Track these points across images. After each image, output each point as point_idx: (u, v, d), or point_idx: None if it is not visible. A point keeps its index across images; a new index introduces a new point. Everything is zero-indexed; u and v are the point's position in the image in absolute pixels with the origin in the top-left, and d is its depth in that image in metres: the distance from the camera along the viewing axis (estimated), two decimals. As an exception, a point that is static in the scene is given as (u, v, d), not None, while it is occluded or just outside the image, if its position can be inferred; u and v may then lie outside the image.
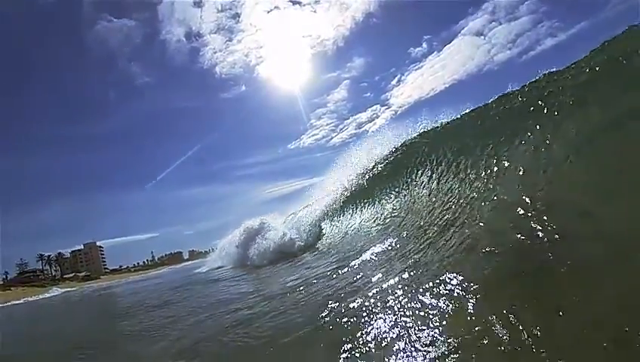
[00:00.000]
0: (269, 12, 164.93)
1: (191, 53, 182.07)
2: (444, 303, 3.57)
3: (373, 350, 3.21)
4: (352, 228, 11.29)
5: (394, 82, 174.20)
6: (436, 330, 3.14)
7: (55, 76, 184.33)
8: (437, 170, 8.53)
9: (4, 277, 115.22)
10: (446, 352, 2.80)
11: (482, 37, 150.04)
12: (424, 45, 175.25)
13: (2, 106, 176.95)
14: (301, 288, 6.69)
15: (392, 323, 3.57)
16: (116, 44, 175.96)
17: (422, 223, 7.01)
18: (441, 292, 3.82)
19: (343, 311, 4.43)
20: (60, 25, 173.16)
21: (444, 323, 3.22)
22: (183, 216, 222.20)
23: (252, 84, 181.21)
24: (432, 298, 3.79)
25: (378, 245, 7.44)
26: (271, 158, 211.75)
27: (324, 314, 4.51)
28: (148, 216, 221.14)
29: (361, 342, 3.39)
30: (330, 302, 4.90)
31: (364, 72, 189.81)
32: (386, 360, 2.99)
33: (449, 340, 2.94)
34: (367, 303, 4.36)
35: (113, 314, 11.65)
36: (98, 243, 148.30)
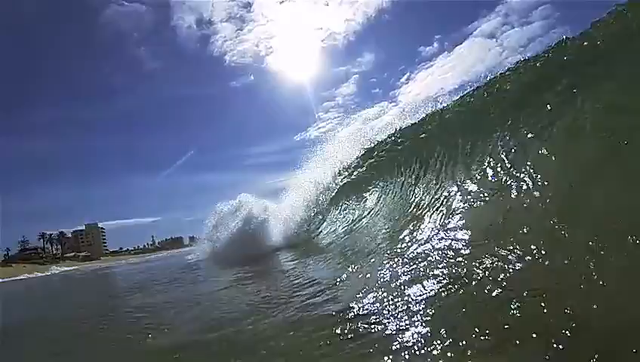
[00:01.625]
0: (280, 3, 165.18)
1: (201, 40, 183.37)
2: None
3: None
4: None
5: (403, 80, 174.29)
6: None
7: (64, 59, 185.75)
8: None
9: (6, 253, 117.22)
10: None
11: (494, 40, 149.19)
12: (435, 44, 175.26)
13: (10, 88, 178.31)
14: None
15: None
16: (126, 29, 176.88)
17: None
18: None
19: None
20: (71, 7, 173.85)
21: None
22: (186, 202, 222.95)
23: (261, 75, 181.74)
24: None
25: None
26: (277, 149, 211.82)
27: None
28: (151, 200, 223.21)
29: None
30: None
31: (374, 68, 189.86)
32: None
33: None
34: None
35: (110, 291, 12.71)
36: (100, 225, 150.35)
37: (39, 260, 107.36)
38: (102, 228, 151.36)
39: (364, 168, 12.99)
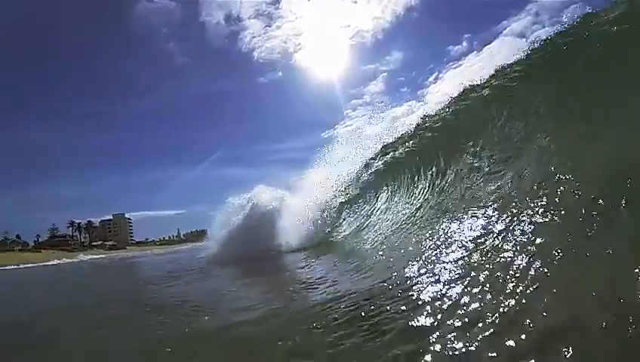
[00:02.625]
0: (308, 0, 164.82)
1: (230, 36, 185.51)
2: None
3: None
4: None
5: (431, 79, 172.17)
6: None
7: (97, 54, 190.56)
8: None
9: (36, 240, 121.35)
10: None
11: (524, 39, 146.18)
12: (464, 44, 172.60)
13: (44, 82, 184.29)
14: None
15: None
16: (156, 24, 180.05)
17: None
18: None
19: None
20: (102, 3, 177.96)
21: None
22: (212, 195, 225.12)
23: (289, 71, 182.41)
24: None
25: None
26: (304, 145, 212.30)
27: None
28: (177, 193, 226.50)
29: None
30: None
31: (402, 67, 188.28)
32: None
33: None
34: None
35: (145, 278, 13.08)
36: (126, 215, 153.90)
37: (67, 247, 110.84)
38: (129, 218, 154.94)
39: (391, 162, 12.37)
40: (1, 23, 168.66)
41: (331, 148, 16.94)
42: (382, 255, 6.61)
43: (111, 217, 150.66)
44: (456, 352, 2.48)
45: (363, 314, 3.65)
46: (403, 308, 3.40)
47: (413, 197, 8.94)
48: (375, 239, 8.43)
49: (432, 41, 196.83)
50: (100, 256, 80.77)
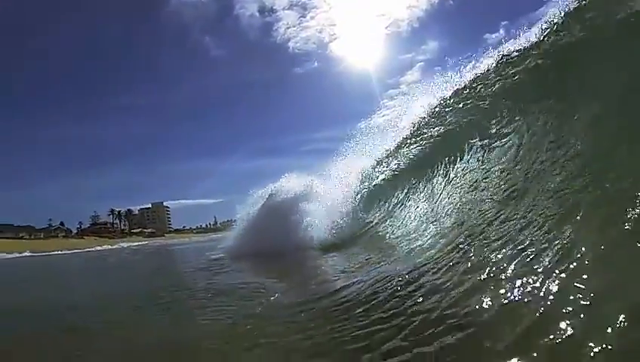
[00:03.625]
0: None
1: (264, 28, 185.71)
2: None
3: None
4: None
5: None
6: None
7: (135, 48, 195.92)
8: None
9: (79, 227, 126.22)
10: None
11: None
12: (501, 31, 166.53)
13: (85, 77, 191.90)
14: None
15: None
16: (190, 18, 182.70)
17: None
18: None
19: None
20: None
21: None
22: (247, 185, 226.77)
23: (325, 61, 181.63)
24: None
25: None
26: (341, 135, 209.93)
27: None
28: (214, 182, 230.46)
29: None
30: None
31: (438, 56, 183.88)
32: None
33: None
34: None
35: (195, 264, 13.33)
36: (165, 204, 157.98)
37: (108, 234, 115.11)
38: (167, 206, 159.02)
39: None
40: (38, 19, 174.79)
41: (367, 137, 15.84)
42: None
43: (150, 205, 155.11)
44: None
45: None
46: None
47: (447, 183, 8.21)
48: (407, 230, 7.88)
49: (468, 30, 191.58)
50: (142, 242, 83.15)
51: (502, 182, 5.50)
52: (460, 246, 4.40)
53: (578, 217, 3.12)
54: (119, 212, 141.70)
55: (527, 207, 4.09)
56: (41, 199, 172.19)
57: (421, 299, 3.46)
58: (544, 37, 7.24)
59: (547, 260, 2.83)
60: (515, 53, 7.94)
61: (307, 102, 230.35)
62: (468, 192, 6.46)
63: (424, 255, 5.03)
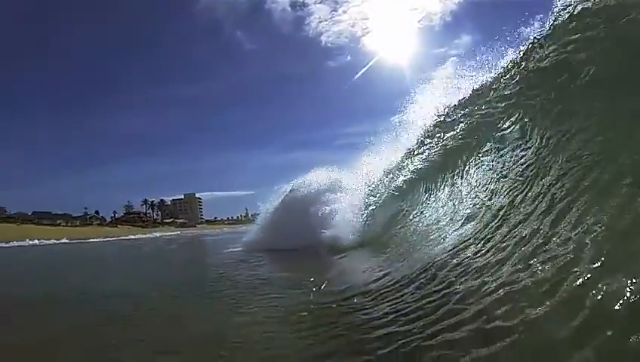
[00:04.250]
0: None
1: (296, 22, 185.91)
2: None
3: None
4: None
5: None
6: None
7: (169, 43, 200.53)
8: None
9: (112, 216, 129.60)
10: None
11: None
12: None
13: (120, 72, 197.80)
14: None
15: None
16: (223, 13, 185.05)
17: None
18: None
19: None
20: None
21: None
22: (279, 178, 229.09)
23: (357, 55, 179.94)
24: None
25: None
26: (373, 129, 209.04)
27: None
28: (247, 175, 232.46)
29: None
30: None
31: (471, 50, 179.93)
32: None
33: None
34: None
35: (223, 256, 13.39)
36: (197, 195, 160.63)
37: (141, 223, 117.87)
38: (199, 198, 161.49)
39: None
40: (76, 17, 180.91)
41: (399, 132, 14.75)
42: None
43: (182, 196, 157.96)
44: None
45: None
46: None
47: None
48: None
49: (502, 24, 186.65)
50: (173, 232, 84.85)
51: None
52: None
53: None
54: (152, 202, 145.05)
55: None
56: (78, 189, 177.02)
57: (454, 281, 3.58)
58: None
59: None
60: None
61: (340, 96, 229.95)
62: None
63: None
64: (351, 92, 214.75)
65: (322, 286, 5.29)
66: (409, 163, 11.02)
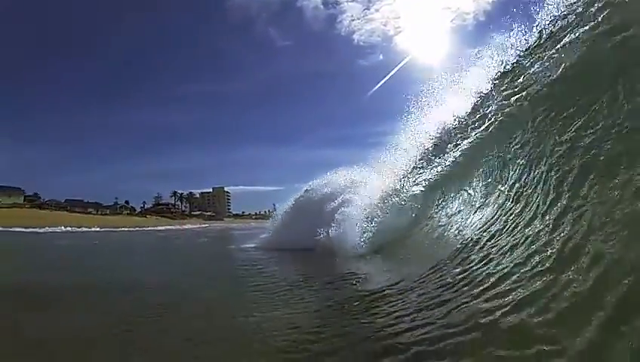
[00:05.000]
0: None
1: (328, 19, 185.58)
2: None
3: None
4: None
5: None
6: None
7: (202, 40, 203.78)
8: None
9: (142, 206, 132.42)
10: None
11: None
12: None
13: (153, 67, 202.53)
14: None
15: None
16: (255, 10, 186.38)
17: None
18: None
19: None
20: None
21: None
22: (308, 174, 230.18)
23: (390, 54, 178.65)
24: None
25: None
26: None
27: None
28: (276, 170, 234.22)
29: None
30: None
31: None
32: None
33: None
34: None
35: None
36: (226, 189, 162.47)
37: (169, 214, 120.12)
38: (227, 191, 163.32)
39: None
40: (108, 16, 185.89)
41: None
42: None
43: (211, 189, 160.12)
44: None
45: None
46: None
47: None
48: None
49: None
50: (201, 225, 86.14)
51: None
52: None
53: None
54: (181, 194, 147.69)
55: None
56: (109, 179, 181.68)
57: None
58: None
59: None
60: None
61: (372, 95, 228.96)
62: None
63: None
64: (383, 91, 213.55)
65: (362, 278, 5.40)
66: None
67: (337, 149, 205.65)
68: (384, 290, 4.64)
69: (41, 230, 41.52)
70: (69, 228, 47.35)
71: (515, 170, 5.37)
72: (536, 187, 4.33)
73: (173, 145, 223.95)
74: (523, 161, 5.29)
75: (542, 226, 3.63)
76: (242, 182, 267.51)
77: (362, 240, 9.66)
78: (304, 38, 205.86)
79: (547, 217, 3.65)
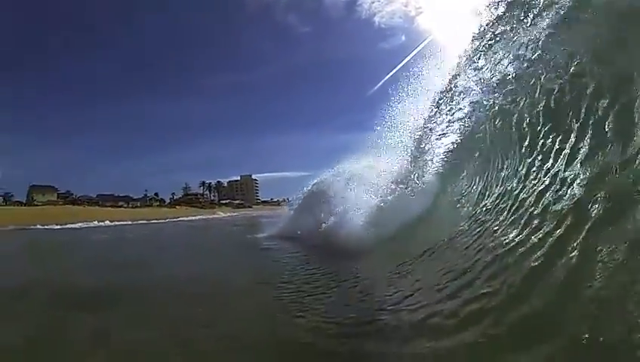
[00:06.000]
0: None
1: (348, 3, 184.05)
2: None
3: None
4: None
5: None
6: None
7: (226, 29, 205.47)
8: None
9: (171, 197, 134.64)
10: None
11: None
12: None
13: (175, 58, 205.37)
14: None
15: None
16: None
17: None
18: None
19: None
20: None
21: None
22: (334, 159, 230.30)
23: (412, 35, 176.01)
24: None
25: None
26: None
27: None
28: (302, 156, 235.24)
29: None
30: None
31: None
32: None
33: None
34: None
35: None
36: (253, 176, 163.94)
37: (198, 204, 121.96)
38: (255, 179, 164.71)
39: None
40: (130, 9, 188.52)
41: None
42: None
43: (239, 178, 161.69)
44: None
45: None
46: None
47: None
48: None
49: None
50: (234, 213, 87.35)
51: None
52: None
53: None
54: (209, 184, 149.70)
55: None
56: (138, 172, 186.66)
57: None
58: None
59: None
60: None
61: (394, 78, 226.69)
62: None
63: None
64: (405, 73, 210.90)
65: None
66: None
67: (363, 133, 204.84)
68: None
69: (76, 225, 42.62)
70: (101, 223, 48.27)
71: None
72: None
73: (200, 136, 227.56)
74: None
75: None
76: (270, 168, 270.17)
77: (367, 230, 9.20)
78: (324, 24, 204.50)
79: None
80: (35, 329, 4.36)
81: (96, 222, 48.24)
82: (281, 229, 15.36)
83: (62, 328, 4.32)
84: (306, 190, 15.55)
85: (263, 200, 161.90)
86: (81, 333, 4.08)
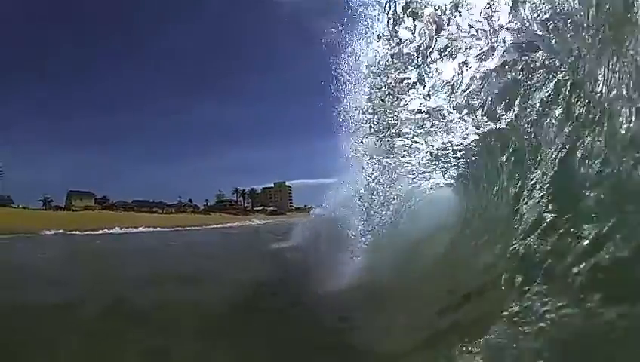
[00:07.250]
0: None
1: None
2: None
3: None
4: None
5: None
6: None
7: (249, 32, 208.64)
8: None
9: (205, 204, 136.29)
10: None
11: None
12: None
13: (211, 63, 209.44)
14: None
15: None
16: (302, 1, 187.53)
17: None
18: None
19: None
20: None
21: None
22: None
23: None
24: None
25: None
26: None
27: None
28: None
29: None
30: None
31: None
32: None
33: None
34: None
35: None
36: (287, 183, 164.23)
37: (232, 211, 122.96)
38: (289, 186, 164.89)
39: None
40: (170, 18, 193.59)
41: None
42: None
43: (272, 185, 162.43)
44: None
45: None
46: None
47: None
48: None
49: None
50: (267, 220, 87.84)
51: None
52: None
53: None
54: (243, 191, 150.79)
55: None
56: (172, 178, 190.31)
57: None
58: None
59: None
60: None
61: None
62: None
63: None
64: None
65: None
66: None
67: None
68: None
69: (112, 231, 43.58)
70: (140, 229, 49.06)
71: None
72: None
73: (234, 142, 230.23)
74: None
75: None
76: (303, 175, 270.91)
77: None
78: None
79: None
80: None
81: (133, 229, 49.08)
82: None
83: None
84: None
85: (296, 206, 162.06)
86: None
